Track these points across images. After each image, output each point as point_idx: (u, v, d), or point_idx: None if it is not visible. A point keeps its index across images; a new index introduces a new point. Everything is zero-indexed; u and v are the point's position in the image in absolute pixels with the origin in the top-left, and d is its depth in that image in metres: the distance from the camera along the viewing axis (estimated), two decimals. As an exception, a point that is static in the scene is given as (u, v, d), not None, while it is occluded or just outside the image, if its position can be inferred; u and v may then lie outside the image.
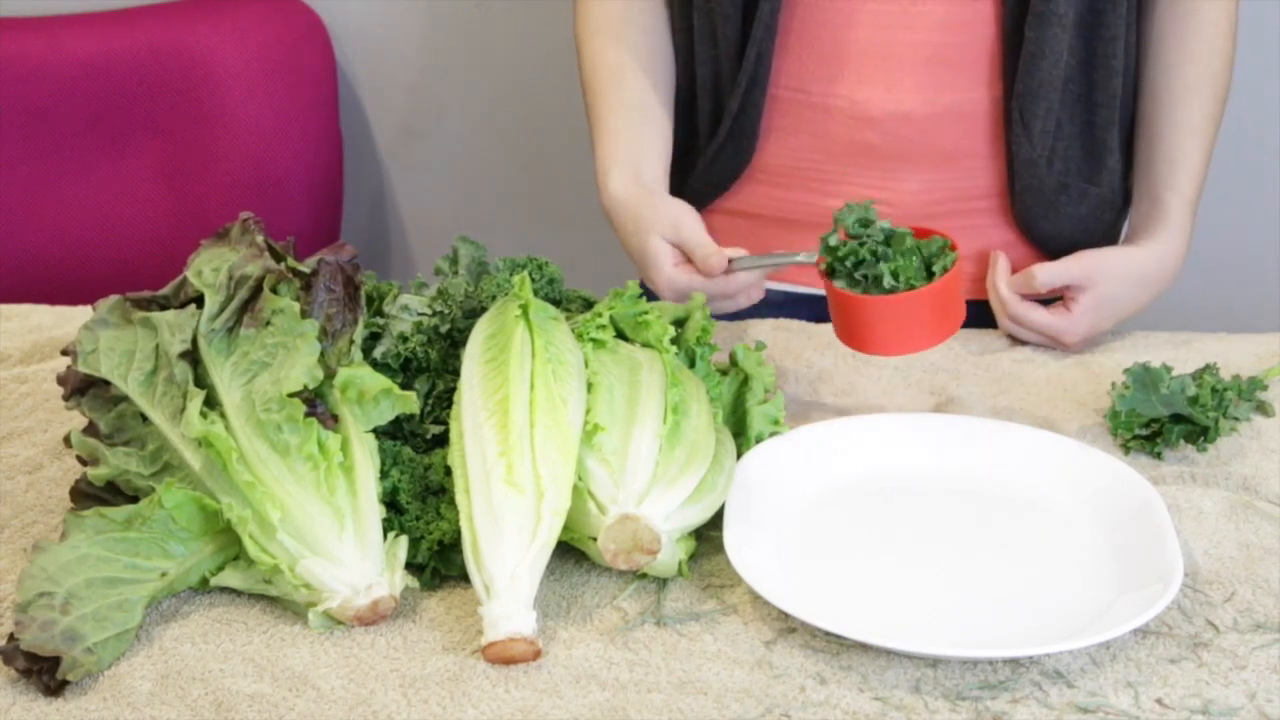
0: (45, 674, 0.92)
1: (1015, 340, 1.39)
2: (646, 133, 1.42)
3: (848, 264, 1.16)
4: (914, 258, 1.16)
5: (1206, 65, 1.39)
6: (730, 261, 1.27)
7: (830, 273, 1.18)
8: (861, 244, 1.15)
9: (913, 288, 1.15)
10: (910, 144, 1.39)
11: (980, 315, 1.42)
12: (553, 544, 0.97)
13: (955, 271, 1.15)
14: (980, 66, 1.37)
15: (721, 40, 1.39)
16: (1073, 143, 1.41)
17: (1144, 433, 1.20)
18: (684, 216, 1.33)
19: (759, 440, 1.14)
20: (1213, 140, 1.41)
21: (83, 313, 1.41)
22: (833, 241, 1.17)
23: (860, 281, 1.17)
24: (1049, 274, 1.34)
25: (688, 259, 1.31)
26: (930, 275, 1.16)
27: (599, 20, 1.45)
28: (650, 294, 1.25)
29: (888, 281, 1.15)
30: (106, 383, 1.07)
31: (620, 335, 1.14)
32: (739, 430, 1.14)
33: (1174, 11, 1.39)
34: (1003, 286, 1.36)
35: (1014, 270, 1.38)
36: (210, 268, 1.10)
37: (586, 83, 1.45)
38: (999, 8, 1.35)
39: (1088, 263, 1.35)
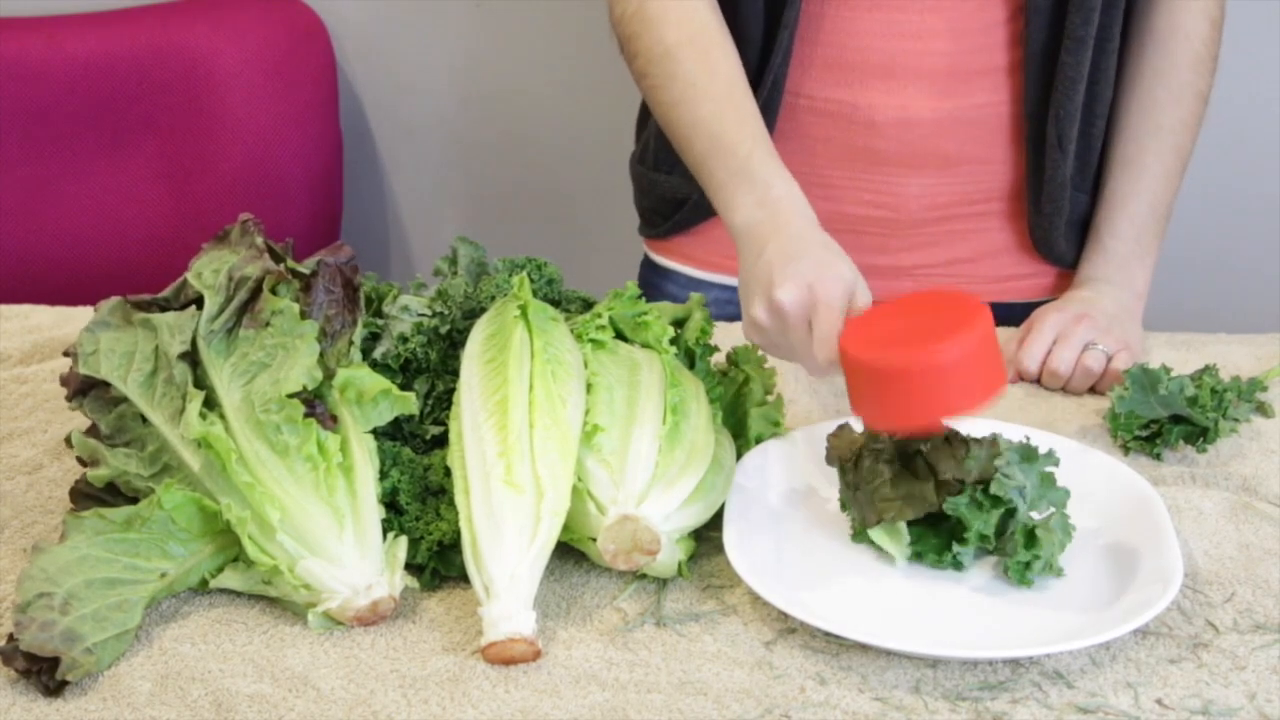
0: (45, 674, 0.92)
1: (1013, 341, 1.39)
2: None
3: None
4: None
5: (1168, 114, 1.38)
6: None
7: None
8: None
9: None
10: (915, 149, 1.39)
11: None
12: (552, 544, 0.97)
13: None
14: (989, 74, 1.37)
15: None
16: (1078, 158, 1.41)
17: (1144, 433, 1.20)
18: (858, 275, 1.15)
19: (759, 441, 1.14)
20: (1163, 186, 1.39)
21: (83, 313, 1.41)
22: None
23: None
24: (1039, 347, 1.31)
25: None
26: None
27: (689, 29, 1.32)
28: (649, 295, 1.23)
29: None
30: (107, 384, 1.07)
31: (619, 336, 1.14)
32: (739, 431, 1.14)
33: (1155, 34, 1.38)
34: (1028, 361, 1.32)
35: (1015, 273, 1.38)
36: (210, 269, 1.10)
37: (695, 83, 1.30)
38: (1016, 26, 1.34)
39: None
